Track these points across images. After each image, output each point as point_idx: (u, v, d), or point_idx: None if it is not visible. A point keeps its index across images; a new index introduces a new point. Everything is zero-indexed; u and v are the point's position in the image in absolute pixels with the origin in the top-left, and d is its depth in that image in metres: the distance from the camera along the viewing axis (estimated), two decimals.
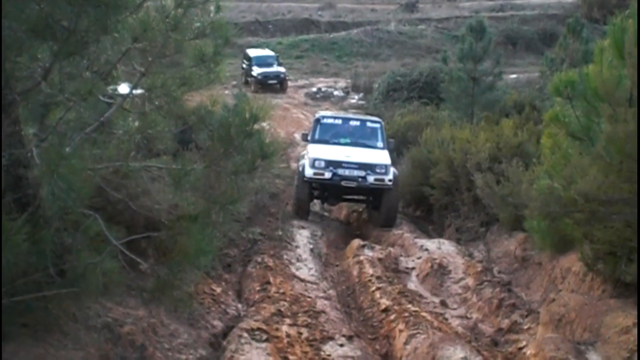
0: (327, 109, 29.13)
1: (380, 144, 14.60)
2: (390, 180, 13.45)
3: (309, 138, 14.72)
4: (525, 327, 7.50)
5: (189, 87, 5.96)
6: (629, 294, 6.65)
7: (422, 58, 40.07)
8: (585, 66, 7.91)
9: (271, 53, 37.38)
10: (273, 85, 34.98)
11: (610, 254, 6.70)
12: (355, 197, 14.65)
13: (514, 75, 31.16)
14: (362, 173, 13.44)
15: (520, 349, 6.46)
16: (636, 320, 5.93)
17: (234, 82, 34.07)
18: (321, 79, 38.94)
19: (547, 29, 44.21)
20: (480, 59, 18.75)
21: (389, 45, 45.15)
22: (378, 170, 13.47)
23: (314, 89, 35.86)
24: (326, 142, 14.45)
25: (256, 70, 35.04)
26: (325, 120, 15.13)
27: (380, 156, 13.94)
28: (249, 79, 35.31)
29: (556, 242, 8.37)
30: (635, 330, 5.79)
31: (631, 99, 6.84)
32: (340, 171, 13.45)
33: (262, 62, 35.69)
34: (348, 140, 14.62)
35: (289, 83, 36.49)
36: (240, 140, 5.01)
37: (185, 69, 5.94)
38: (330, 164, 13.50)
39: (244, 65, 36.12)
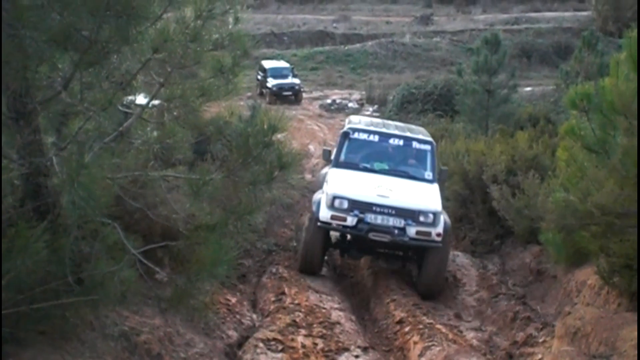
0: (342, 121, 29.08)
1: (429, 174, 10.53)
2: (439, 235, 9.48)
3: (332, 158, 10.67)
4: (541, 340, 7.47)
5: (207, 97, 6.02)
6: None
7: (437, 70, 40.12)
8: (600, 79, 7.94)
9: (286, 65, 37.53)
10: (288, 96, 35.09)
11: (626, 267, 6.68)
12: (389, 251, 10.29)
13: (528, 88, 31.10)
14: (400, 222, 9.46)
15: None
16: None
17: (249, 94, 34.24)
18: (336, 91, 39.01)
19: (561, 42, 44.13)
20: (495, 72, 18.75)
21: (404, 57, 45.21)
22: (423, 220, 9.49)
23: (329, 101, 35.92)
24: (355, 167, 10.42)
25: (271, 82, 35.16)
26: (356, 135, 10.77)
27: (428, 196, 9.91)
28: (263, 90, 35.45)
29: (571, 255, 8.33)
30: None
31: None
32: (370, 217, 9.43)
33: (277, 73, 35.81)
34: (385, 167, 10.54)
35: (304, 95, 36.59)
36: (259, 150, 5.05)
37: (204, 80, 6.00)
38: (356, 205, 9.48)
39: (259, 77, 36.28)
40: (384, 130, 11.07)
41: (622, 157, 6.66)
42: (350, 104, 34.99)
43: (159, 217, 5.58)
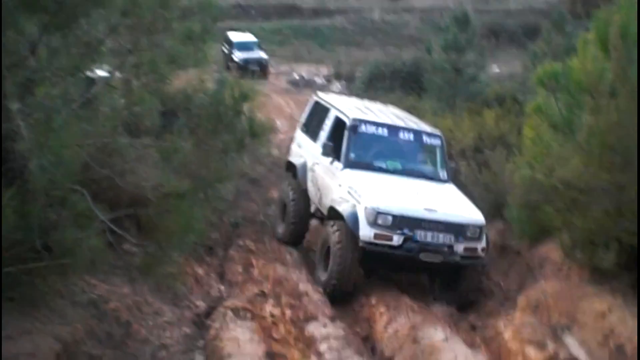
0: (309, 97, 28.86)
1: (442, 173, 9.52)
2: (484, 250, 8.46)
3: (341, 158, 9.08)
4: (503, 313, 7.61)
5: (176, 65, 5.97)
6: (604, 281, 6.79)
7: (406, 48, 40.05)
8: (568, 59, 8.05)
9: (253, 38, 37.10)
10: (254, 70, 34.81)
11: (588, 242, 6.83)
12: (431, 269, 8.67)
13: (496, 68, 31.32)
14: (449, 239, 8.21)
15: (499, 333, 6.58)
16: (611, 306, 6.08)
17: (215, 67, 33.87)
18: (303, 66, 38.81)
19: (530, 23, 44.27)
20: (463, 50, 18.85)
21: (373, 34, 45.15)
22: (470, 235, 8.30)
23: (296, 76, 35.75)
24: (369, 167, 9.12)
25: (237, 55, 34.76)
26: (364, 129, 9.33)
27: (465, 205, 8.80)
28: (230, 64, 35.09)
29: (535, 231, 8.50)
30: (611, 316, 5.93)
31: (613, 91, 6.97)
32: (420, 235, 8.10)
33: (244, 46, 35.40)
34: (398, 166, 9.34)
35: (271, 69, 36.35)
36: (229, 118, 5.04)
37: (173, 48, 5.94)
38: (404, 222, 8.09)
39: (225, 50, 35.85)
40: (390, 118, 9.89)
41: (587, 135, 6.79)
42: (317, 80, 34.89)
43: (128, 185, 5.54)
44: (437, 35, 23.02)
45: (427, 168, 9.55)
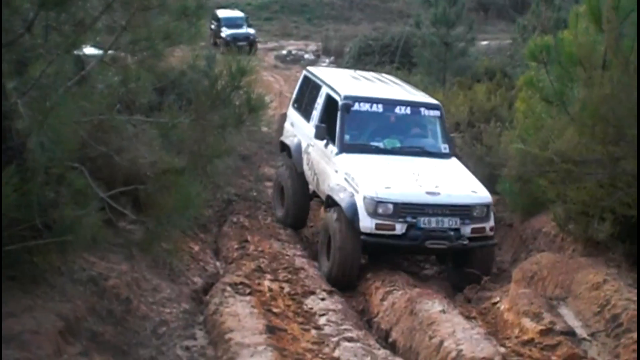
0: (298, 73, 28.76)
1: (444, 147, 8.89)
2: (492, 229, 8.10)
3: (336, 142, 8.59)
4: (498, 285, 7.69)
5: (171, 41, 5.94)
6: (599, 252, 6.88)
7: (394, 22, 39.91)
8: (559, 32, 8.07)
9: (240, 14, 36.93)
10: (242, 47, 34.60)
11: (582, 214, 6.90)
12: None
13: (485, 42, 31.26)
14: (455, 223, 7.82)
15: (495, 304, 6.66)
16: (606, 277, 6.16)
17: (203, 43, 33.65)
18: (291, 42, 38.62)
19: None
20: (453, 24, 18.82)
21: (361, 8, 44.89)
22: (477, 215, 7.93)
23: (284, 52, 35.61)
24: (365, 149, 8.62)
25: (225, 32, 34.60)
26: (357, 107, 8.74)
27: (469, 181, 8.33)
28: (217, 41, 34.89)
29: (528, 204, 8.58)
30: (606, 287, 6.02)
31: (605, 63, 7.01)
32: (424, 221, 7.72)
33: (231, 23, 35.23)
34: (397, 143, 8.81)
35: (259, 45, 36.17)
36: (227, 93, 5.03)
37: (168, 23, 5.91)
38: (405, 209, 7.72)
39: (213, 27, 35.61)
40: (384, 96, 9.25)
41: (580, 107, 6.83)
42: (306, 55, 34.76)
43: (125, 162, 5.54)
44: (426, 10, 22.95)
45: (428, 143, 8.98)
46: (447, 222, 7.74)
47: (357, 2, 45.48)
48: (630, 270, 6.26)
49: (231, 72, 5.00)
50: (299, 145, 9.58)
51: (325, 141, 8.69)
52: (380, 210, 7.63)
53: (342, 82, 9.75)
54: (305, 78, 10.20)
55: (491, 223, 8.02)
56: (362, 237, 7.65)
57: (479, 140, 10.49)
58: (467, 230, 7.81)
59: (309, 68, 11.03)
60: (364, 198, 7.67)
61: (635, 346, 5.25)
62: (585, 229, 6.89)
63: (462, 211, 7.84)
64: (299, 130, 9.77)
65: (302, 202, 9.63)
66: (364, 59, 27.05)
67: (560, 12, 18.89)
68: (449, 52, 18.95)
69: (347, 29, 37.92)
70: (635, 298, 5.68)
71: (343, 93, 8.90)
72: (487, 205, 7.99)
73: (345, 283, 7.80)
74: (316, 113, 9.27)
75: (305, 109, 9.77)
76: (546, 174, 7.03)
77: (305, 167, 9.40)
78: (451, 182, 8.14)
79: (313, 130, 8.97)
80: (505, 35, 30.17)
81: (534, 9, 21.30)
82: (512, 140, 8.51)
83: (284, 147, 10.25)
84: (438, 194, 7.82)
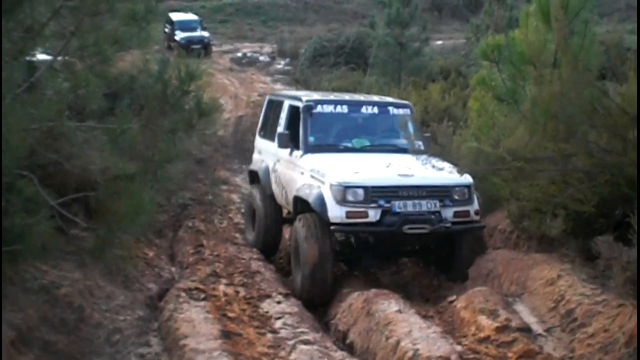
0: (253, 75, 28.67)
1: (418, 144, 8.29)
2: (477, 213, 7.77)
3: (300, 145, 8.30)
4: (454, 284, 7.74)
5: (120, 46, 5.88)
6: (553, 248, 6.98)
7: (349, 23, 40.05)
8: (510, 31, 8.17)
9: (194, 17, 36.72)
10: (197, 50, 34.38)
11: (535, 211, 6.99)
12: (420, 246, 8.16)
13: (439, 42, 31.54)
14: (434, 205, 7.45)
15: (451, 302, 6.69)
16: (560, 273, 6.24)
17: (157, 47, 33.33)
18: (246, 44, 38.50)
19: None
20: (407, 25, 18.96)
21: (315, 10, 44.99)
22: (458, 197, 7.60)
23: (239, 54, 35.44)
24: (332, 148, 8.34)
25: (179, 35, 34.36)
26: (321, 109, 8.55)
27: (444, 168, 7.48)
28: (172, 44, 34.62)
29: (482, 202, 8.65)
30: (560, 282, 6.10)
31: (555, 61, 7.10)
32: (398, 205, 7.32)
33: (185, 26, 35.01)
34: (366, 143, 8.56)
35: (214, 48, 35.99)
36: (176, 98, 4.98)
37: (117, 29, 5.84)
38: (377, 193, 7.33)
39: (167, 30, 35.36)
40: (348, 98, 9.24)
41: (531, 105, 6.90)
42: (261, 58, 34.65)
43: (75, 169, 5.45)
44: (380, 11, 23.08)
45: (400, 141, 8.60)
46: (426, 205, 7.35)
47: (311, 3, 45.56)
48: (584, 265, 6.35)
49: (180, 76, 4.93)
50: (266, 168, 9.25)
51: (289, 149, 8.40)
52: (349, 197, 7.20)
53: (305, 93, 9.62)
54: (269, 101, 9.94)
55: (475, 206, 7.69)
56: (332, 227, 7.23)
57: (434, 139, 10.54)
58: (448, 213, 7.44)
59: (272, 92, 10.73)
60: (331, 185, 7.28)
61: (590, 340, 5.33)
62: (538, 226, 6.97)
63: (440, 192, 7.48)
64: (266, 154, 9.46)
65: (273, 227, 9.20)
66: (319, 60, 27.10)
67: (513, 11, 19.11)
68: (403, 52, 19.10)
69: (302, 31, 37.92)
70: (589, 293, 5.77)
71: (305, 98, 8.70)
72: (468, 187, 7.61)
73: (321, 293, 7.39)
74: (280, 128, 8.93)
75: (270, 131, 9.43)
76: (499, 172, 7.09)
77: (274, 186, 9.02)
78: (426, 167, 7.54)
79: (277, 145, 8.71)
80: (460, 34, 30.48)
81: (487, 8, 21.53)
82: (465, 138, 8.58)
83: (253, 175, 9.90)
84: (412, 175, 7.48)
